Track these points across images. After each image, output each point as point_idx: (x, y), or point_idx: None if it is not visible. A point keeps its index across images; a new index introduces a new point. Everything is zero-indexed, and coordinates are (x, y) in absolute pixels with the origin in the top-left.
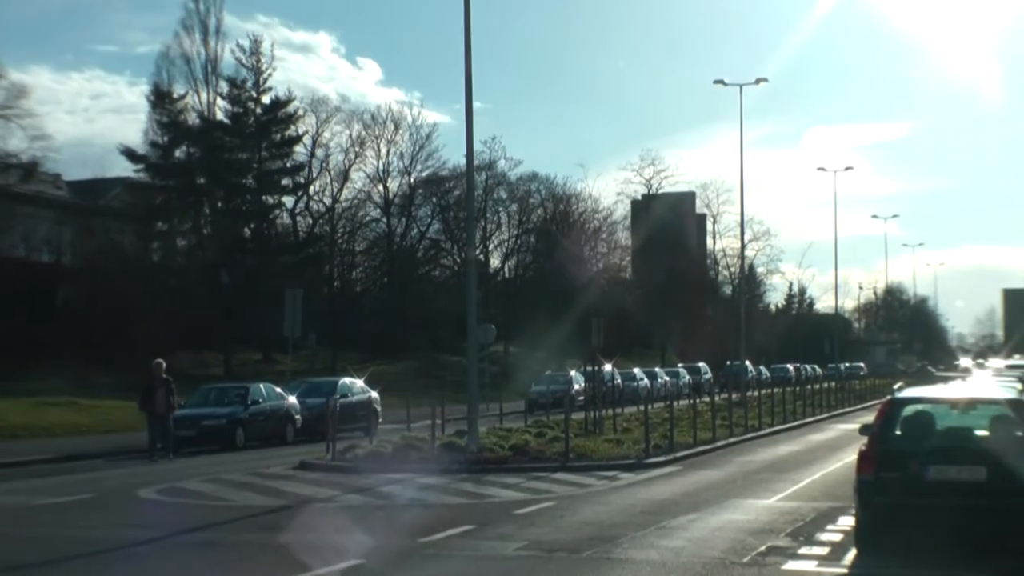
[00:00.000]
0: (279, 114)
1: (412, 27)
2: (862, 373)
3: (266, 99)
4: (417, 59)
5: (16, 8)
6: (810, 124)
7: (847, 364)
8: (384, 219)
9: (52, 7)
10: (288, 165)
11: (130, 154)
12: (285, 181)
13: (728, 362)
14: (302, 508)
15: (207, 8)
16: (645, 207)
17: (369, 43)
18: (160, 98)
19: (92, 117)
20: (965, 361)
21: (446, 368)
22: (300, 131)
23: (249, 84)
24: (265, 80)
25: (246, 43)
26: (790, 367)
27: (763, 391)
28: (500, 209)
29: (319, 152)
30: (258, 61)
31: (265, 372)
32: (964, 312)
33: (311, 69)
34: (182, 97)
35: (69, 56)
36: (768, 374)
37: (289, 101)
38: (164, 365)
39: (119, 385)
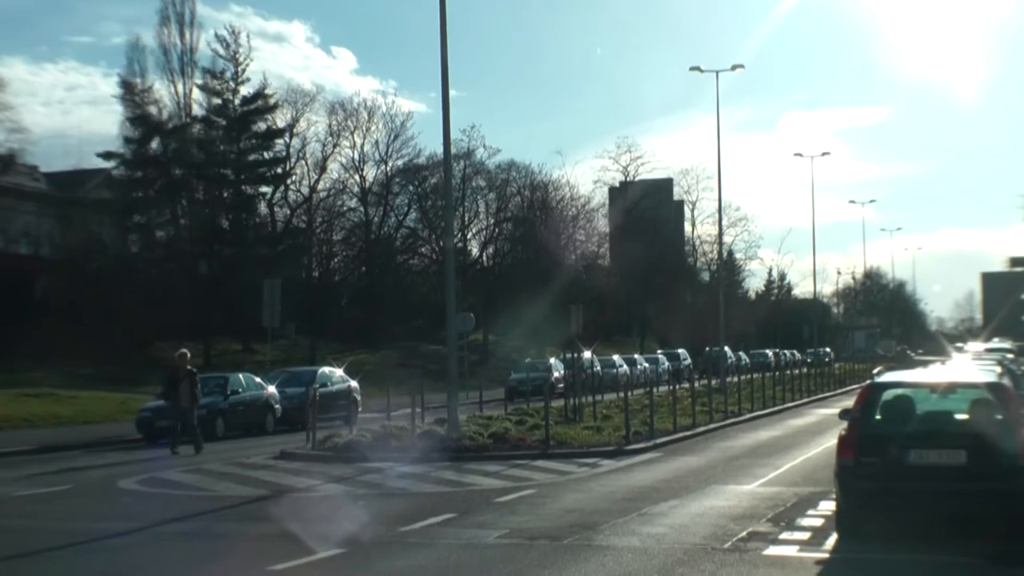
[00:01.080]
0: (258, 105)
1: (386, 15)
2: (827, 360)
3: (244, 90)
4: (391, 47)
5: None
6: (787, 109)
7: (810, 349)
8: (362, 208)
9: None
10: (267, 156)
11: (106, 155)
12: (265, 172)
13: (707, 348)
14: (283, 498)
15: None
16: (622, 194)
17: (343, 32)
18: (129, 91)
19: (68, 109)
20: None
21: (425, 356)
22: (280, 123)
23: (228, 75)
24: (243, 71)
25: (224, 33)
26: (769, 352)
27: (743, 377)
28: (478, 197)
29: (296, 142)
30: (236, 52)
31: (245, 362)
32: (941, 296)
33: (285, 59)
34: (149, 88)
35: (44, 47)
36: (747, 360)
37: (268, 93)
38: (188, 355)
39: (99, 376)
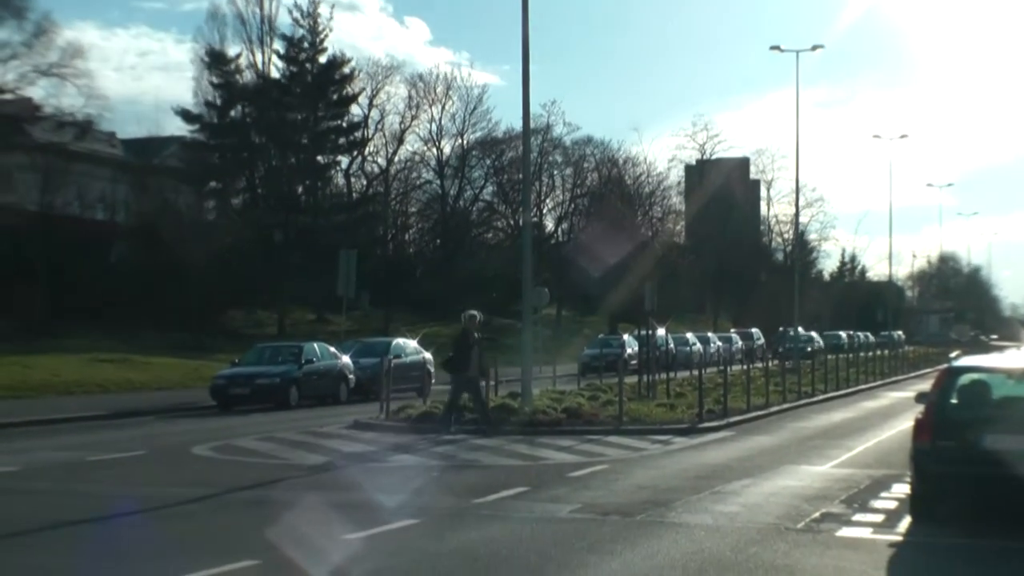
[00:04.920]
0: (335, 74)
1: None
2: (900, 342)
3: (322, 59)
4: (465, 19)
5: None
6: (864, 88)
7: (884, 332)
8: (438, 181)
9: None
10: (343, 124)
11: (185, 115)
12: (340, 140)
13: (781, 328)
14: (355, 467)
15: None
16: (699, 172)
17: (417, 2)
18: (215, 59)
19: (140, 75)
20: None
21: (499, 330)
22: (355, 91)
23: (306, 44)
24: (322, 40)
25: (303, 2)
26: (843, 334)
27: (816, 358)
28: (555, 172)
29: (374, 113)
30: (315, 22)
31: (318, 332)
32: (1012, 281)
33: (359, 29)
34: (236, 58)
35: (115, 12)
36: (821, 341)
37: (345, 61)
38: (479, 319)
39: (172, 343)
